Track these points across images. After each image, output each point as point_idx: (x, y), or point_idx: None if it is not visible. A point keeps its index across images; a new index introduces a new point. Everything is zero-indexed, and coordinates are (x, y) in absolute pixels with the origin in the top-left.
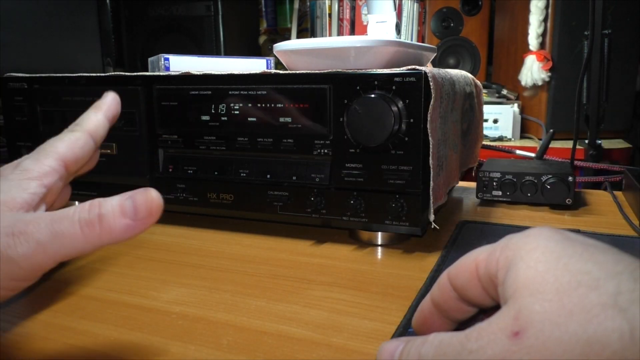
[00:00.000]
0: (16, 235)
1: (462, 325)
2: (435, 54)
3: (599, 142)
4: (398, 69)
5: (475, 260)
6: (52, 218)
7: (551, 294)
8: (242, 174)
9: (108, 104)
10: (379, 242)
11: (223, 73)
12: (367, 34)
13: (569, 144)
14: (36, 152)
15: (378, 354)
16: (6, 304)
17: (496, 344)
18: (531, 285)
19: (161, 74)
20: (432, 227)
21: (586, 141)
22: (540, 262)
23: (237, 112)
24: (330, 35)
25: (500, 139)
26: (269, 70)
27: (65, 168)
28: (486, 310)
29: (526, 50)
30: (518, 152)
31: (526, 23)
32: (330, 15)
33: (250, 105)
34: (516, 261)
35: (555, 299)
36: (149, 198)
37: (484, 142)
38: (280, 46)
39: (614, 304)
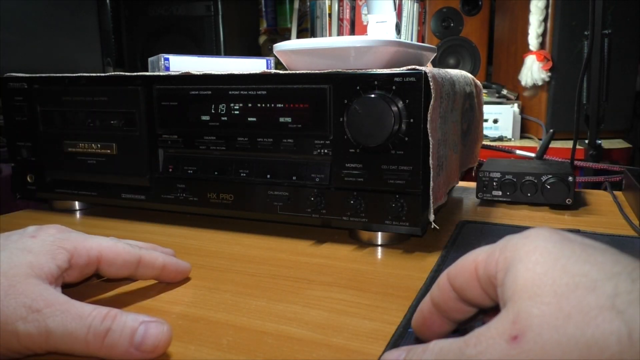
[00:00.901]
0: (33, 311)
1: (462, 325)
2: (435, 54)
3: (599, 142)
4: (398, 69)
5: (475, 261)
6: (68, 310)
7: (549, 297)
8: (242, 174)
9: (176, 262)
10: (379, 242)
11: (223, 73)
12: (367, 34)
13: (569, 144)
14: (89, 235)
15: None
16: None
17: (495, 348)
18: (529, 288)
19: (161, 74)
20: (432, 227)
21: (586, 141)
22: (539, 264)
23: (237, 112)
24: (330, 35)
25: (500, 139)
26: (269, 70)
27: (98, 261)
28: (486, 310)
29: (526, 50)
30: (518, 152)
31: (526, 23)
32: (330, 15)
33: (250, 105)
34: (515, 263)
35: (553, 302)
36: (161, 335)
37: (484, 142)
38: (280, 46)
39: (612, 306)
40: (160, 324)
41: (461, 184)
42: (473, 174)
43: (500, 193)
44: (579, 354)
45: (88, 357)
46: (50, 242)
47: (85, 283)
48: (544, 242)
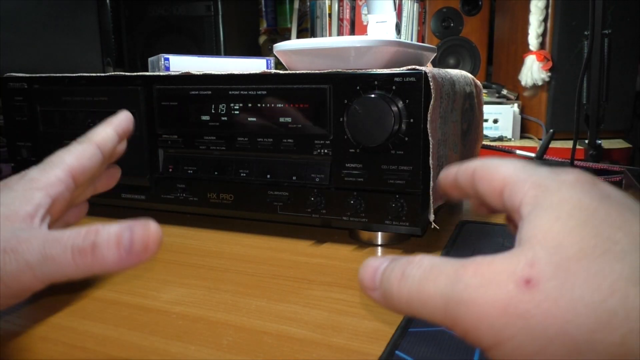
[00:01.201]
0: (7, 252)
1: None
2: (435, 54)
3: (599, 142)
4: (398, 69)
5: (504, 182)
6: (45, 239)
7: (575, 253)
8: (242, 174)
9: (119, 119)
10: (379, 242)
11: (223, 73)
12: (367, 34)
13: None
14: (43, 163)
15: (360, 270)
16: None
17: (500, 286)
18: (555, 238)
19: (161, 74)
20: (432, 227)
21: (586, 141)
22: (571, 218)
23: (237, 112)
24: (330, 35)
25: (500, 139)
26: (269, 70)
27: (73, 179)
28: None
29: (526, 50)
30: (518, 152)
31: (526, 23)
32: (330, 15)
33: (250, 105)
34: (544, 206)
35: (577, 259)
36: (147, 233)
37: (484, 142)
38: (280, 46)
39: (637, 281)
40: (144, 222)
41: None
42: None
43: None
44: (595, 321)
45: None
46: (17, 189)
47: (85, 284)
48: (581, 193)
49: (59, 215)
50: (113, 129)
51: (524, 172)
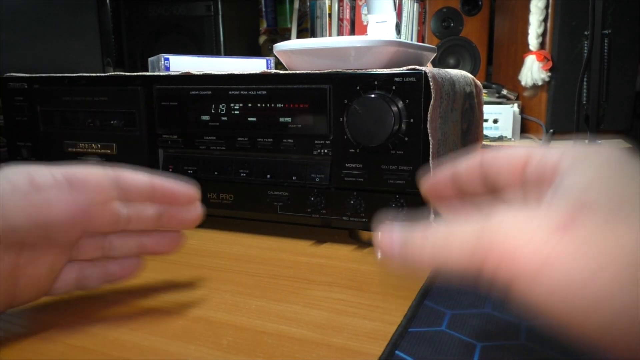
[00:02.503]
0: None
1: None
2: (435, 54)
3: (599, 142)
4: (398, 69)
5: (527, 157)
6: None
7: (616, 206)
8: (242, 174)
9: (168, 182)
10: None
11: (223, 73)
12: (367, 34)
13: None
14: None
15: (379, 235)
16: None
17: (535, 232)
18: (598, 190)
19: (161, 74)
20: None
21: (586, 141)
22: (614, 176)
23: (237, 112)
24: (330, 35)
25: (500, 139)
26: (269, 70)
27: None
28: None
29: (526, 50)
30: None
31: (526, 23)
32: (330, 15)
33: (250, 105)
34: (585, 164)
35: (619, 212)
36: None
37: (484, 142)
38: (280, 46)
39: None
40: None
41: None
42: None
43: None
44: (633, 270)
45: None
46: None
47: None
48: (621, 159)
49: (67, 241)
50: (150, 180)
51: (541, 148)
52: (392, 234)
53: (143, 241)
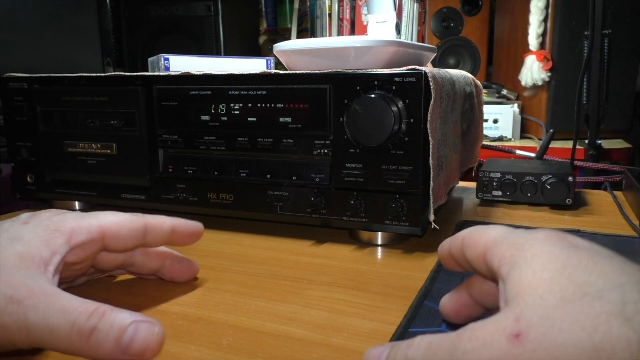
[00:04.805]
0: (14, 302)
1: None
2: (435, 54)
3: (599, 142)
4: (398, 69)
5: (485, 246)
6: (53, 303)
7: (555, 301)
8: (242, 174)
9: (185, 222)
10: (379, 242)
11: (223, 73)
12: (367, 34)
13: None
14: (87, 213)
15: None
16: None
17: (493, 346)
18: (535, 291)
19: (161, 74)
20: (432, 227)
21: (586, 141)
22: (546, 270)
23: (237, 112)
24: (330, 35)
25: (500, 139)
26: (269, 70)
27: (102, 237)
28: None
29: (526, 50)
30: (518, 152)
31: (526, 23)
32: (330, 15)
33: (250, 105)
34: (520, 264)
35: (559, 306)
36: (150, 337)
37: (484, 142)
38: (280, 46)
39: (620, 313)
40: (152, 324)
41: (461, 184)
42: (473, 174)
43: (500, 193)
44: (586, 358)
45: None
46: (44, 226)
47: (86, 282)
48: (551, 246)
49: (78, 269)
50: (172, 224)
51: (502, 235)
52: (377, 356)
53: (162, 271)
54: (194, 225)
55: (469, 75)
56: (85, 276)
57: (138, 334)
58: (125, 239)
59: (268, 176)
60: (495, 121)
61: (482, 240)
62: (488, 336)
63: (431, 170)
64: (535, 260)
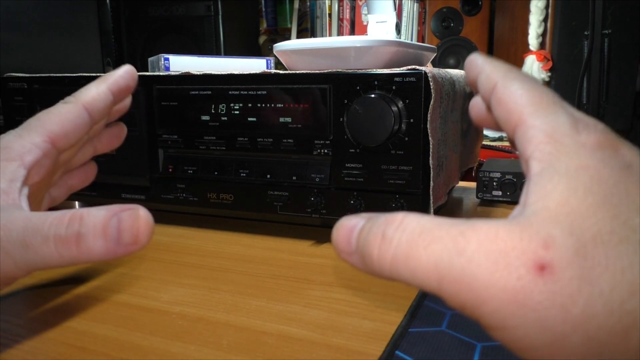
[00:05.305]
0: None
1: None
2: (435, 54)
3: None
4: (398, 69)
5: (520, 117)
6: (25, 226)
7: (592, 239)
8: (242, 174)
9: (115, 76)
10: None
11: (223, 73)
12: (367, 34)
13: None
14: (20, 127)
15: (334, 232)
16: (4, 303)
17: (510, 268)
18: (571, 215)
19: (161, 74)
20: None
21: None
22: (590, 193)
23: (237, 112)
24: (330, 35)
25: (500, 139)
26: (269, 70)
27: (53, 144)
28: None
29: (526, 50)
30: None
31: (526, 23)
32: (330, 15)
33: (250, 105)
34: (560, 170)
35: (595, 247)
36: (137, 221)
37: (484, 142)
38: (280, 46)
39: None
40: (134, 209)
41: (461, 184)
42: (473, 174)
43: (500, 193)
44: (615, 323)
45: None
46: None
47: (85, 284)
48: (602, 162)
49: (46, 182)
50: (107, 86)
51: (543, 115)
52: (348, 229)
53: (95, 145)
54: (125, 71)
55: None
56: (55, 187)
57: (123, 223)
58: (74, 132)
59: (268, 176)
60: None
61: (519, 106)
62: (504, 255)
63: (431, 170)
64: (579, 176)
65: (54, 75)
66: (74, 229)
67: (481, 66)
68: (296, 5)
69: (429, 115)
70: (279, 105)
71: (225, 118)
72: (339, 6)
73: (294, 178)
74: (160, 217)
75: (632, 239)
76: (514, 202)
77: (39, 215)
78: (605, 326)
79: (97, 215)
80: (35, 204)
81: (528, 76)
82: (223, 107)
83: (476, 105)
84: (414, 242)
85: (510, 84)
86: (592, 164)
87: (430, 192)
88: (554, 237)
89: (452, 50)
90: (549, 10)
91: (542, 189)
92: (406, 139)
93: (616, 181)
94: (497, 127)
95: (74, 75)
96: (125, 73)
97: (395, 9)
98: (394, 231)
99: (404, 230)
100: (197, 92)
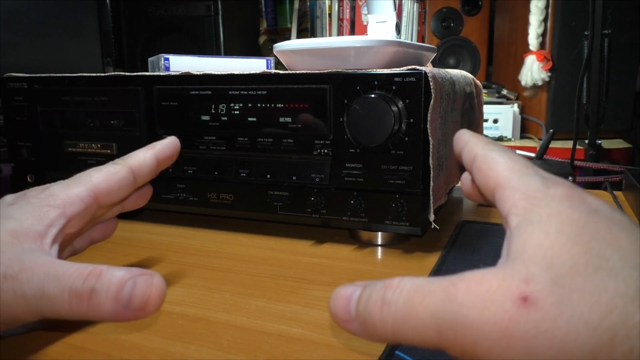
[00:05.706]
0: (7, 279)
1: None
2: (435, 54)
3: (599, 142)
4: (398, 69)
5: (497, 183)
6: (47, 273)
7: (569, 272)
8: (242, 174)
9: (162, 145)
10: (379, 242)
11: (223, 73)
12: (367, 34)
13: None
14: (70, 179)
15: (331, 302)
16: None
17: (496, 306)
18: (545, 255)
19: (161, 74)
20: (432, 227)
21: (586, 141)
22: (561, 234)
23: (237, 112)
24: (330, 35)
25: (500, 139)
26: (269, 70)
27: (96, 200)
28: None
29: (526, 50)
30: (518, 152)
31: (526, 23)
32: (330, 15)
33: (250, 105)
34: (533, 220)
35: (572, 278)
36: (150, 290)
37: None
38: (280, 46)
39: (634, 298)
40: (150, 276)
41: None
42: None
43: None
44: (597, 340)
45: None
46: (33, 204)
47: None
48: (570, 209)
49: (78, 234)
50: (153, 155)
51: (517, 178)
52: (345, 298)
53: (124, 204)
54: (171, 142)
55: (469, 75)
56: (79, 239)
57: (137, 288)
58: (118, 192)
59: (268, 176)
60: (495, 121)
61: (495, 173)
62: (490, 293)
63: (431, 170)
64: (551, 222)
65: (54, 75)
66: (90, 284)
67: (465, 140)
68: (296, 5)
69: (429, 115)
70: (279, 105)
71: (225, 118)
72: (339, 6)
73: (294, 178)
74: (161, 217)
75: (605, 267)
76: None
77: (63, 264)
78: (589, 343)
79: (115, 275)
80: (59, 252)
81: (504, 147)
82: (223, 107)
83: (465, 180)
84: (411, 300)
85: (489, 154)
86: (562, 210)
87: (431, 192)
88: (533, 274)
89: (452, 50)
90: (549, 10)
91: (520, 238)
92: (406, 139)
93: (586, 222)
94: (484, 200)
95: (74, 75)
96: (170, 143)
97: (395, 9)
98: (392, 294)
99: (401, 292)
100: (197, 92)
